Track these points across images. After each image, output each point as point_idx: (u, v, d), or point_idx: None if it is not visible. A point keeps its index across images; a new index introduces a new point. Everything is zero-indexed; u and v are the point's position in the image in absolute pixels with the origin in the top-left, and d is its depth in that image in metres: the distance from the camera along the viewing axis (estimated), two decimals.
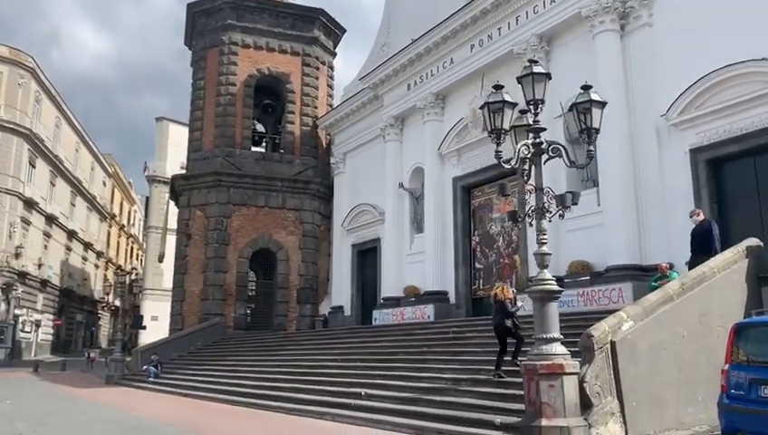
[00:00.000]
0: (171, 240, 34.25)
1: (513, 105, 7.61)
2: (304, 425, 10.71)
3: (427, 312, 21.31)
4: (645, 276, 14.82)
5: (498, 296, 10.80)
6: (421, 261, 22.72)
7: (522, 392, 9.23)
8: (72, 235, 48.71)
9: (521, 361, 9.87)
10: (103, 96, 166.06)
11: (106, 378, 24.46)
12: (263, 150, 32.36)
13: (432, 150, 22.81)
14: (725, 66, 14.07)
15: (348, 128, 29.55)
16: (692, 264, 11.33)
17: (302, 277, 29.45)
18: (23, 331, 40.27)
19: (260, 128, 33.63)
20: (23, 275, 39.00)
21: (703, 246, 11.42)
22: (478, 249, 21.66)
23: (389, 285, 24.11)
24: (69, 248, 48.67)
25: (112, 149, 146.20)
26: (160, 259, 36.52)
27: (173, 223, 34.23)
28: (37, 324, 42.83)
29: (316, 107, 31.86)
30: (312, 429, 10.10)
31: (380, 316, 23.50)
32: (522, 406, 8.74)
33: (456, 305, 21.40)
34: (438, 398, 10.38)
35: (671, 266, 12.18)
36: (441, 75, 22.70)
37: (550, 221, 8.06)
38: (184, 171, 32.40)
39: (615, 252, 15.59)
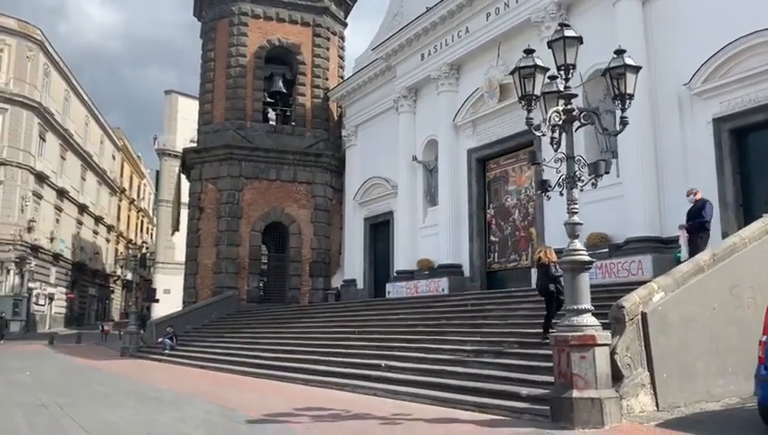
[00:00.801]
0: (183, 214, 34.23)
1: (545, 70, 7.38)
2: (326, 396, 10.69)
3: (442, 285, 21.25)
4: (665, 249, 14.70)
5: (542, 260, 10.63)
6: (435, 234, 22.59)
7: (546, 364, 9.17)
8: (82, 209, 48.86)
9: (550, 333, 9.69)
10: (110, 70, 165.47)
11: (121, 350, 24.62)
12: (273, 123, 32.11)
13: (446, 122, 22.52)
14: (751, 33, 13.73)
15: (360, 100, 29.23)
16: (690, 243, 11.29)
17: (315, 251, 29.42)
18: (36, 304, 40.66)
19: (270, 100, 33.35)
20: (35, 249, 39.23)
21: (696, 225, 11.34)
22: (493, 222, 21.49)
23: (403, 259, 24.03)
24: (80, 222, 48.87)
25: (120, 122, 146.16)
26: (174, 230, 36.50)
27: (183, 197, 34.19)
28: (50, 298, 43.23)
29: (327, 78, 31.50)
30: (334, 400, 10.07)
31: (394, 289, 23.46)
32: (547, 378, 8.67)
33: (470, 279, 21.30)
34: (461, 369, 10.30)
35: None
36: (456, 45, 22.32)
37: (581, 190, 7.90)
38: (194, 145, 32.24)
39: (634, 224, 15.42)
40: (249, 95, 29.92)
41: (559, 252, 16.66)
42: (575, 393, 6.89)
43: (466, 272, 21.50)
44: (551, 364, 8.99)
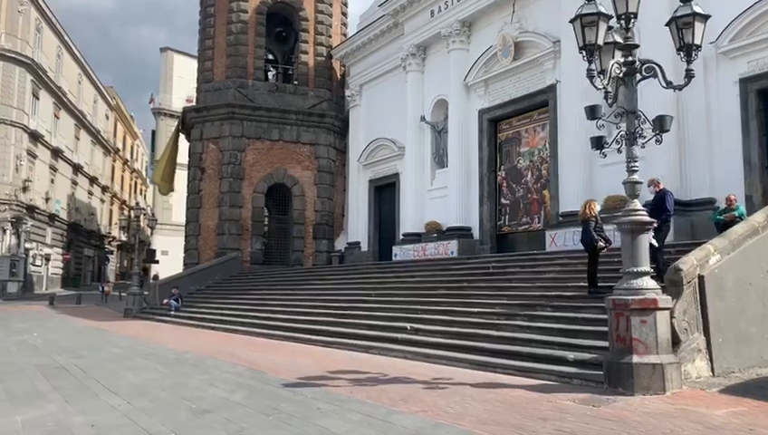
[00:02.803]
0: (182, 175, 33.61)
1: (609, 18, 6.93)
2: (355, 359, 10.42)
3: (451, 248, 21.00)
4: (685, 211, 14.44)
5: (584, 214, 10.46)
6: (444, 196, 22.26)
7: (588, 328, 8.96)
8: (77, 169, 48.04)
9: (600, 287, 9.52)
10: (100, 29, 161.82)
11: (124, 311, 24.36)
12: (275, 82, 31.36)
13: (457, 81, 22.00)
14: None
15: (364, 58, 28.51)
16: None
17: (318, 213, 29.08)
18: (33, 264, 40.21)
19: (272, 58, 32.54)
20: (31, 209, 38.60)
21: (658, 215, 11.11)
22: (504, 184, 21.15)
23: (410, 221, 23.72)
24: (75, 182, 48.10)
25: (111, 83, 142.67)
26: (156, 183, 35.75)
27: (179, 156, 33.45)
28: (47, 258, 42.76)
29: (330, 36, 30.70)
30: (365, 363, 9.80)
31: (401, 252, 23.19)
32: (591, 342, 8.46)
33: (480, 241, 21.07)
34: (495, 333, 10.03)
35: None
36: (468, 0, 21.64)
37: (643, 147, 7.54)
38: (191, 104, 31.50)
39: None
40: (251, 53, 29.14)
41: (571, 215, 16.41)
42: (635, 358, 6.63)
43: (476, 235, 21.25)
44: (592, 328, 8.82)
